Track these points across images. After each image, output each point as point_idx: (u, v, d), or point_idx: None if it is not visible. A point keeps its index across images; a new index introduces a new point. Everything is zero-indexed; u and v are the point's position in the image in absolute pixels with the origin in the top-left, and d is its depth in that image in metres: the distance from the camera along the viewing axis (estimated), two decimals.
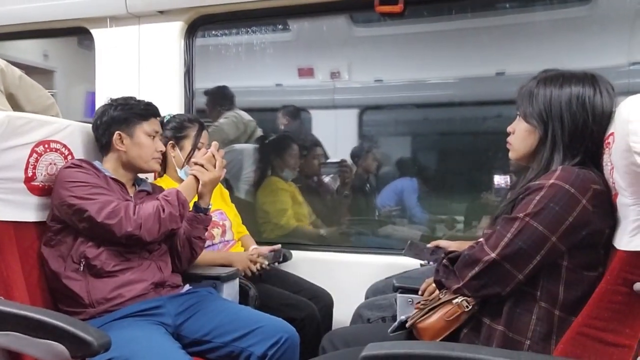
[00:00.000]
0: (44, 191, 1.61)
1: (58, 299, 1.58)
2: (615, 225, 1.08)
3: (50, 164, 1.63)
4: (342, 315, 2.07)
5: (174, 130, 2.05)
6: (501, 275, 1.12)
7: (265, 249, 2.13)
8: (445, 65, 3.59)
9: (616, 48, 3.05)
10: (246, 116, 3.38)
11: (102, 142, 1.74)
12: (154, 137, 1.75)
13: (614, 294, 1.00)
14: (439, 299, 1.24)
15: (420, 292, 1.54)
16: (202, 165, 1.73)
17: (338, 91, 4.00)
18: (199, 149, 1.98)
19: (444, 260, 1.26)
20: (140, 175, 1.84)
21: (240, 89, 3.53)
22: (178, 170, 2.03)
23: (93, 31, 2.52)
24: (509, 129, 1.29)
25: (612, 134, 1.06)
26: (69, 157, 1.69)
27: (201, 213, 1.78)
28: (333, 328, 2.11)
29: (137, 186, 1.79)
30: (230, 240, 2.15)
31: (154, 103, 1.81)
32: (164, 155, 1.88)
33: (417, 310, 1.30)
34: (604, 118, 1.14)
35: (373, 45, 3.71)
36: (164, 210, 1.59)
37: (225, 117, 3.31)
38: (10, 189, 1.52)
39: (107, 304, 1.52)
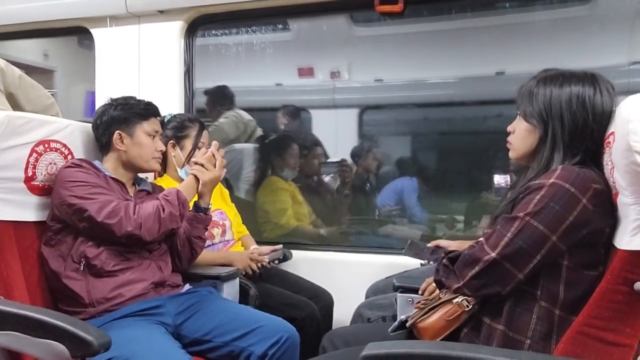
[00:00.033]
0: (44, 191, 1.61)
1: (58, 299, 1.58)
2: (616, 224, 1.08)
3: (50, 163, 1.62)
4: (343, 314, 2.07)
5: (175, 130, 2.05)
6: (501, 275, 1.12)
7: (267, 249, 2.13)
8: (445, 64, 3.59)
9: (616, 47, 3.05)
10: (246, 116, 3.38)
11: (102, 142, 1.74)
12: (154, 136, 1.75)
13: (614, 294, 1.00)
14: (439, 298, 1.24)
15: (420, 292, 1.54)
16: (202, 165, 1.73)
17: (338, 91, 4.00)
18: (200, 149, 1.98)
19: (444, 260, 1.26)
20: (140, 175, 1.84)
21: (240, 89, 3.52)
22: (178, 169, 2.03)
23: (93, 31, 2.52)
24: (509, 128, 1.29)
25: (612, 133, 1.06)
26: (69, 157, 1.69)
27: (201, 212, 1.78)
28: (333, 327, 2.11)
29: (137, 186, 1.79)
30: (230, 240, 2.15)
31: (154, 103, 1.81)
32: (164, 154, 1.88)
33: (417, 309, 1.30)
34: (604, 117, 1.13)
35: (373, 45, 3.71)
36: (164, 209, 1.59)
37: (225, 117, 3.31)
38: (10, 188, 1.51)
39: (107, 304, 1.52)
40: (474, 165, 3.55)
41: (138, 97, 1.80)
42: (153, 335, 1.43)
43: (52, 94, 2.11)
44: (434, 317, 1.22)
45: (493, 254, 1.12)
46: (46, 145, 1.61)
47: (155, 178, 2.04)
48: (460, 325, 1.21)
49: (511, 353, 0.92)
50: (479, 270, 1.14)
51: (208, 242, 1.98)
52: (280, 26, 3.67)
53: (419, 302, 1.34)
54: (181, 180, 1.94)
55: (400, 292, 1.63)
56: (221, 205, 2.18)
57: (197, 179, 1.73)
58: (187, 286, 1.75)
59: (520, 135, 1.24)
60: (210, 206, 1.81)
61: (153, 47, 2.45)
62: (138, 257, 1.62)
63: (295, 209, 3.02)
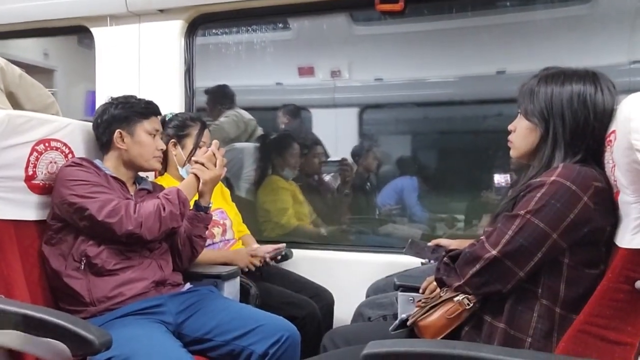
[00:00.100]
0: (45, 190, 1.61)
1: (59, 298, 1.58)
2: (617, 223, 1.08)
3: (51, 162, 1.62)
4: (343, 313, 2.07)
5: (176, 129, 2.05)
6: (502, 273, 1.12)
7: (269, 248, 2.13)
8: (445, 63, 3.59)
9: (616, 47, 3.05)
10: (247, 115, 3.38)
11: (102, 141, 1.74)
12: (154, 135, 1.75)
13: (615, 292, 1.00)
14: (440, 296, 1.24)
15: (421, 291, 1.54)
16: (202, 164, 1.73)
17: (338, 90, 4.00)
18: (201, 148, 1.98)
19: (445, 258, 1.26)
20: (141, 174, 1.84)
21: (240, 88, 3.53)
22: (179, 168, 2.03)
23: (93, 30, 2.52)
24: (510, 127, 1.29)
25: (613, 131, 1.06)
26: (70, 156, 1.69)
27: (202, 212, 1.78)
28: (334, 326, 2.11)
29: (137, 185, 1.79)
30: (230, 239, 2.15)
31: (155, 102, 1.81)
32: (165, 153, 1.88)
33: (418, 308, 1.29)
34: (605, 116, 1.13)
35: (373, 44, 3.71)
36: (164, 208, 1.59)
37: (226, 116, 3.31)
38: (11, 187, 1.51)
39: (108, 303, 1.52)
40: (474, 165, 3.55)
41: (138, 96, 1.80)
42: (154, 334, 1.43)
43: (52, 93, 2.11)
44: (435, 316, 1.22)
45: (494, 252, 1.12)
46: (47, 144, 1.61)
47: (155, 177, 2.04)
48: (461, 324, 1.21)
49: (512, 351, 0.92)
50: (480, 268, 1.14)
51: (209, 241, 1.98)
52: (280, 25, 3.67)
53: (420, 300, 1.34)
54: (182, 179, 1.94)
55: (401, 291, 1.63)
56: (222, 205, 2.18)
57: (197, 177, 1.73)
58: (188, 285, 1.75)
59: (522, 134, 1.24)
60: (210, 205, 1.81)
61: (153, 46, 2.45)
62: (139, 256, 1.62)
63: (296, 208, 3.02)
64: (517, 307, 1.13)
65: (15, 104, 1.89)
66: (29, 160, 1.55)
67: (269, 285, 2.08)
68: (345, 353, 1.33)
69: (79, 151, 1.74)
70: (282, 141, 3.18)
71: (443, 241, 1.86)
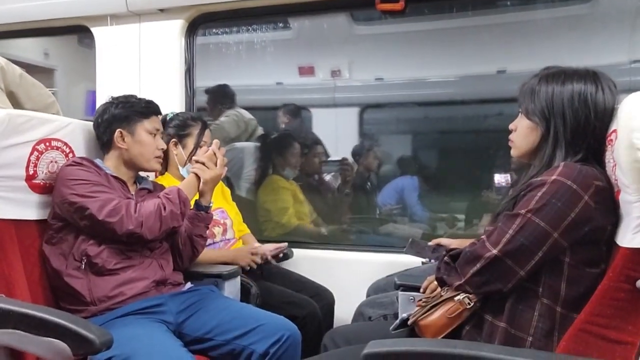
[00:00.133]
0: (45, 189, 1.61)
1: (60, 297, 1.58)
2: (618, 222, 1.08)
3: (52, 161, 1.62)
4: (344, 313, 2.07)
5: (177, 128, 2.05)
6: (503, 272, 1.12)
7: (270, 247, 2.13)
8: (446, 63, 3.59)
9: (617, 46, 3.05)
10: (247, 114, 3.38)
11: (103, 140, 1.74)
12: (155, 135, 1.75)
13: (616, 291, 1.00)
14: (441, 296, 1.24)
15: (421, 290, 1.54)
16: (203, 163, 1.73)
17: (339, 89, 4.00)
18: (201, 147, 1.98)
19: (446, 258, 1.26)
20: (142, 173, 1.84)
21: (240, 88, 3.53)
22: (180, 168, 2.03)
23: (93, 29, 2.52)
24: (511, 126, 1.29)
25: (614, 130, 1.06)
26: (70, 155, 1.69)
27: (202, 211, 1.78)
28: (334, 326, 2.11)
29: (138, 184, 1.79)
30: (231, 239, 2.15)
31: (155, 101, 1.81)
32: (166, 153, 1.88)
33: (418, 307, 1.29)
34: (606, 115, 1.13)
35: (374, 44, 3.71)
36: (165, 208, 1.59)
37: (226, 116, 3.31)
38: (12, 187, 1.51)
39: (109, 302, 1.52)
40: (474, 164, 3.55)
41: (139, 96, 1.80)
42: (155, 334, 1.43)
43: (52, 93, 2.11)
44: (436, 315, 1.22)
45: (494, 251, 1.12)
46: (47, 144, 1.61)
47: (156, 176, 2.04)
48: (462, 323, 1.21)
49: (513, 351, 0.92)
50: (481, 267, 1.14)
51: (209, 241, 1.98)
52: (280, 25, 3.67)
53: (421, 300, 1.34)
54: (182, 178, 1.94)
55: (402, 291, 1.63)
56: (222, 204, 2.18)
57: (198, 177, 1.73)
58: (189, 284, 1.75)
59: (522, 133, 1.24)
60: (211, 205, 1.81)
61: (154, 45, 2.45)
62: (139, 256, 1.62)
63: (297, 208, 3.02)
64: (517, 306, 1.13)
65: (16, 103, 1.89)
66: (29, 160, 1.55)
67: (269, 284, 2.08)
68: (346, 352, 1.33)
69: (80, 151, 1.74)
70: (283, 141, 3.18)
71: (443, 241, 1.86)
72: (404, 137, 4.19)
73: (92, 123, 1.77)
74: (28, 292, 1.48)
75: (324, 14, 3.18)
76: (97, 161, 1.69)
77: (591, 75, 1.17)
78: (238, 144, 3.28)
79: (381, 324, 1.66)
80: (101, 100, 1.87)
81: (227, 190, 2.32)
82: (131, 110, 1.72)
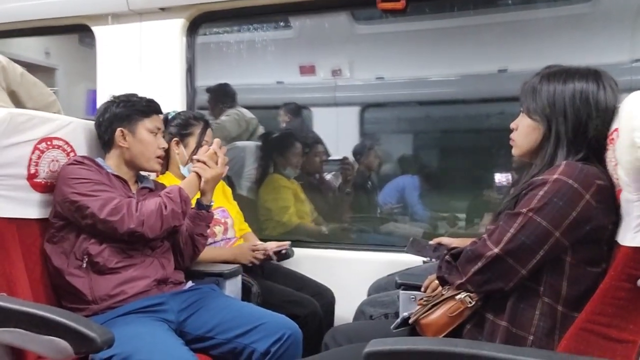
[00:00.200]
0: (47, 188, 1.61)
1: (61, 296, 1.58)
2: (619, 221, 1.08)
3: (53, 160, 1.63)
4: (345, 312, 2.07)
5: (179, 127, 2.05)
6: (504, 271, 1.12)
7: (273, 244, 2.13)
8: (447, 62, 3.59)
9: (618, 45, 3.05)
10: (248, 114, 3.38)
11: (104, 139, 1.74)
12: (156, 134, 1.75)
13: (617, 290, 1.00)
14: (442, 295, 1.24)
15: (422, 289, 1.53)
16: (204, 162, 1.73)
17: (339, 89, 4.01)
18: (202, 147, 1.98)
19: (447, 256, 1.26)
20: (142, 172, 1.84)
21: (241, 87, 3.53)
22: (181, 167, 2.03)
23: (94, 28, 2.52)
24: (512, 125, 1.29)
25: (616, 130, 1.06)
26: (72, 154, 1.69)
27: (203, 210, 1.78)
28: (335, 325, 2.11)
29: (139, 183, 1.79)
30: (232, 238, 2.15)
31: (156, 100, 1.81)
32: (167, 152, 1.88)
33: (419, 306, 1.29)
34: (608, 114, 1.13)
35: (375, 43, 3.71)
36: (166, 207, 1.59)
37: (227, 115, 3.31)
38: (13, 185, 1.51)
39: (110, 301, 1.52)
40: (475, 163, 3.56)
41: (140, 95, 1.80)
42: (156, 332, 1.43)
43: (53, 92, 2.11)
44: (437, 314, 1.22)
45: (496, 250, 1.12)
46: (48, 143, 1.61)
47: (157, 175, 2.04)
48: (463, 322, 1.21)
49: (514, 349, 0.92)
50: (482, 266, 1.14)
51: (210, 240, 1.98)
52: (281, 24, 3.67)
53: (422, 299, 1.34)
54: (183, 177, 1.94)
55: (403, 289, 1.63)
56: (223, 203, 2.18)
57: (199, 176, 1.73)
58: (190, 283, 1.75)
59: (524, 132, 1.24)
60: (212, 204, 1.81)
61: (155, 44, 2.45)
62: (140, 255, 1.62)
63: (297, 207, 3.02)
64: (519, 305, 1.13)
65: (17, 102, 1.90)
66: (31, 159, 1.56)
67: (270, 283, 2.08)
68: (347, 351, 1.33)
69: (81, 149, 1.74)
70: (284, 140, 3.18)
71: (444, 240, 1.85)
72: (404, 136, 4.19)
73: (93, 122, 1.77)
74: (29, 291, 1.48)
75: (325, 13, 3.18)
76: (99, 160, 1.69)
77: (593, 74, 1.16)
78: (239, 143, 3.28)
79: (382, 323, 1.66)
80: (102, 99, 1.87)
81: (228, 190, 2.32)
82: (132, 109, 1.72)
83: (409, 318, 1.30)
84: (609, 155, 1.10)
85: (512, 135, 1.29)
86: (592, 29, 3.11)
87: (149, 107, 1.76)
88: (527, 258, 1.10)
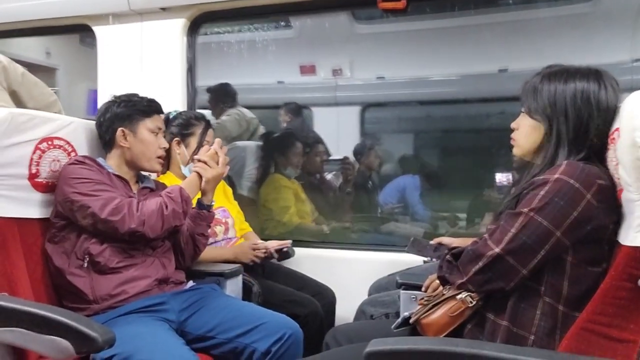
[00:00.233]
0: (48, 188, 1.61)
1: (62, 295, 1.58)
2: (620, 220, 1.08)
3: (54, 160, 1.63)
4: (345, 311, 2.07)
5: (180, 127, 2.05)
6: (505, 270, 1.12)
7: (274, 243, 2.13)
8: (448, 62, 3.59)
9: (619, 45, 3.05)
10: (248, 113, 3.39)
11: (105, 139, 1.74)
12: (157, 133, 1.75)
13: (618, 290, 1.00)
14: (443, 294, 1.24)
15: (423, 289, 1.53)
16: (205, 162, 1.73)
17: (340, 88, 4.01)
18: (203, 147, 1.98)
19: (448, 256, 1.26)
20: (143, 172, 1.84)
21: (242, 87, 3.53)
22: (182, 167, 2.03)
23: (95, 28, 2.52)
24: (513, 125, 1.29)
25: (617, 129, 1.06)
26: (73, 154, 1.69)
27: (204, 210, 1.78)
28: (336, 324, 2.11)
29: (140, 183, 1.79)
30: (232, 238, 2.15)
31: (157, 100, 1.81)
32: (168, 151, 1.88)
33: (420, 306, 1.29)
34: (609, 113, 1.13)
35: (375, 43, 3.71)
36: (167, 207, 1.59)
37: (228, 115, 3.31)
38: (14, 185, 1.52)
39: (111, 300, 1.52)
40: (476, 163, 3.56)
41: (140, 95, 1.80)
42: (157, 332, 1.43)
43: (54, 92, 2.11)
44: (438, 314, 1.22)
45: (497, 249, 1.11)
46: (50, 143, 1.61)
47: (158, 175, 2.04)
48: (464, 322, 1.21)
49: (515, 349, 0.92)
50: (483, 266, 1.14)
51: (211, 240, 1.99)
52: (282, 23, 3.67)
53: (422, 298, 1.33)
54: (184, 177, 1.94)
55: (403, 289, 1.63)
56: (224, 203, 2.18)
57: (200, 176, 1.73)
58: (191, 283, 1.75)
59: (525, 132, 1.24)
60: (213, 204, 1.81)
61: (155, 44, 2.45)
62: (141, 254, 1.62)
63: (298, 207, 3.02)
64: (520, 305, 1.13)
65: (18, 102, 1.90)
66: (32, 159, 1.56)
67: (271, 283, 2.08)
68: (348, 351, 1.33)
69: (82, 149, 1.74)
70: (284, 139, 3.18)
71: (445, 239, 1.85)
72: (405, 135, 4.19)
73: (94, 122, 1.77)
74: (30, 291, 1.48)
75: (325, 13, 3.18)
76: (100, 160, 1.69)
77: (594, 74, 1.16)
78: (240, 143, 3.28)
79: (383, 323, 1.66)
80: (103, 99, 1.87)
81: (229, 189, 2.32)
82: (133, 109, 1.72)
83: (409, 318, 1.30)
84: (610, 154, 1.10)
85: (513, 135, 1.29)
86: (592, 28, 3.11)
87: (150, 107, 1.76)
88: (528, 258, 1.10)
